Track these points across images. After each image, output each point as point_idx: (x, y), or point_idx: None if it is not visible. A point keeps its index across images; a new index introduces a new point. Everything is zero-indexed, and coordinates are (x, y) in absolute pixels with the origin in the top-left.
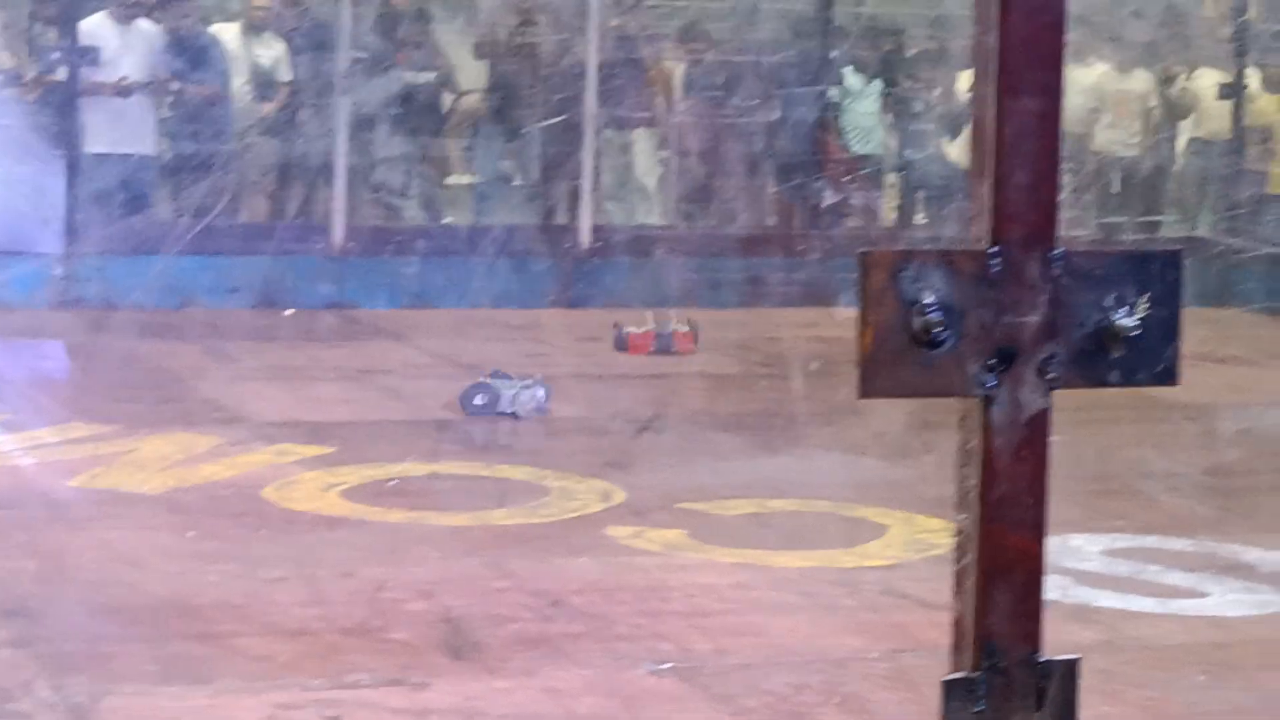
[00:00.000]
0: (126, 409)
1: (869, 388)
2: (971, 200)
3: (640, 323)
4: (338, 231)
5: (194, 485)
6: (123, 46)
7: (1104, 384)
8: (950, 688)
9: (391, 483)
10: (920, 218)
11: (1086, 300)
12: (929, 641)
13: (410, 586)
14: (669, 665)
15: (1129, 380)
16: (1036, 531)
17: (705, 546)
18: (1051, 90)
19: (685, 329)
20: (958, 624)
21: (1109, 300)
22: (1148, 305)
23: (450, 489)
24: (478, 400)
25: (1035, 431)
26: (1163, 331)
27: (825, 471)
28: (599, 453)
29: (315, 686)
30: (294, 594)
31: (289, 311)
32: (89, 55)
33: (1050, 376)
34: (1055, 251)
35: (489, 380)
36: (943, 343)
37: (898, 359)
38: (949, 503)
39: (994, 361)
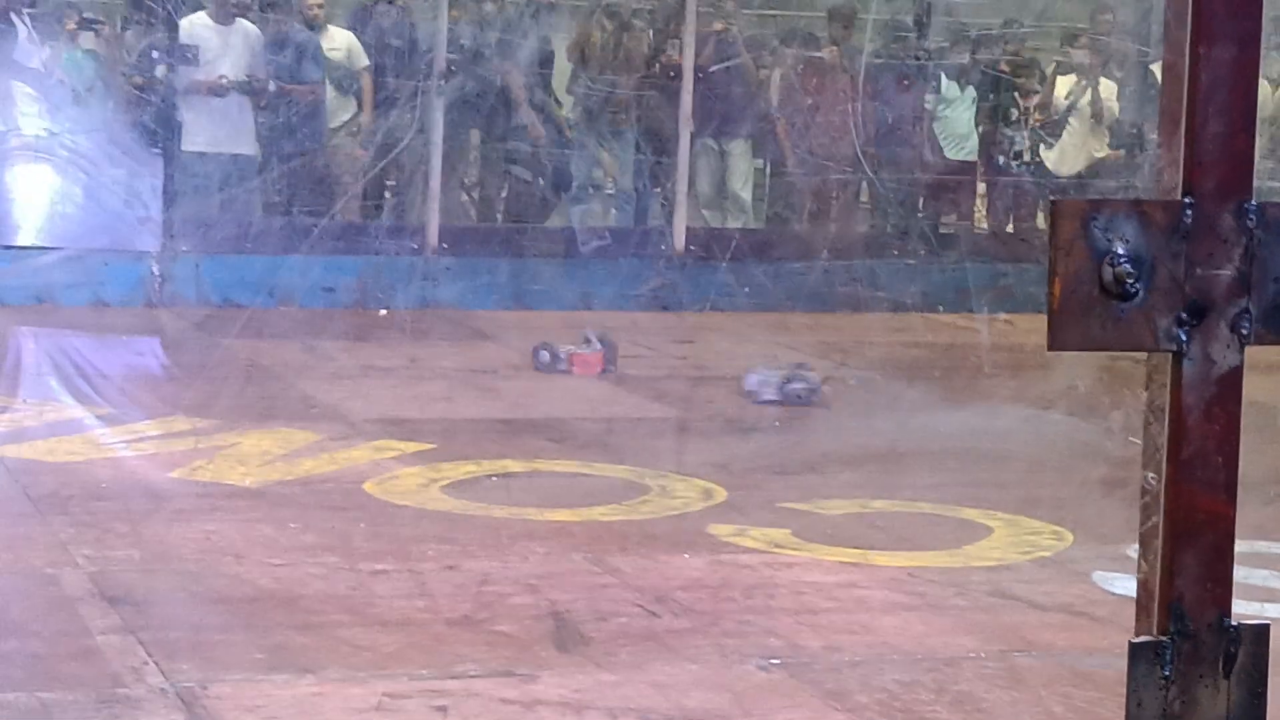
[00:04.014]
0: (225, 404)
1: (1058, 340)
2: (1163, 150)
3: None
4: (432, 232)
5: (295, 479)
6: (222, 46)
7: None
8: (1136, 651)
9: (492, 479)
10: (1011, 226)
11: None
12: (1041, 643)
13: (514, 580)
14: (778, 661)
15: None
16: (1228, 492)
17: (809, 545)
18: (1249, 39)
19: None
20: (1144, 586)
21: None
22: None
23: (551, 486)
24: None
25: (1227, 389)
26: None
27: (926, 471)
28: (699, 452)
29: (423, 676)
30: (398, 586)
31: (384, 311)
32: (188, 54)
33: (1243, 332)
34: (1250, 203)
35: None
36: (1133, 295)
37: (1087, 310)
38: (1051, 505)
39: (1185, 315)
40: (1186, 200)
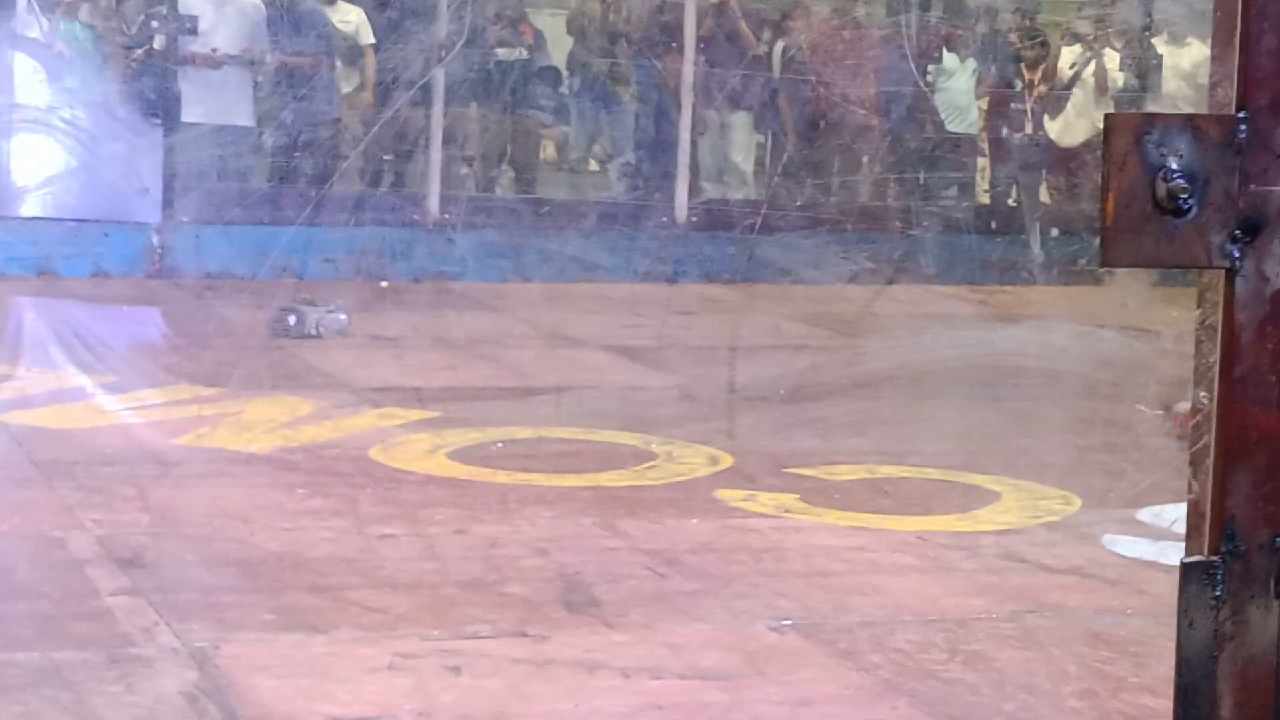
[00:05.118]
0: (229, 373)
1: (1111, 256)
2: (1215, 64)
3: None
4: (433, 203)
5: (300, 445)
6: (221, 16)
7: None
8: (1188, 571)
9: (498, 445)
10: (1012, 200)
11: None
12: (1052, 603)
13: (523, 544)
14: (790, 622)
15: None
16: None
17: (818, 509)
18: None
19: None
20: (1194, 506)
21: None
22: None
23: (556, 452)
24: (290, 321)
25: None
26: None
27: (932, 437)
28: (704, 420)
29: (434, 637)
30: (406, 550)
31: (384, 283)
32: (187, 24)
33: None
34: None
35: (297, 305)
36: (1187, 211)
37: (1140, 227)
38: (1060, 470)
39: (1239, 232)
40: (1241, 115)
